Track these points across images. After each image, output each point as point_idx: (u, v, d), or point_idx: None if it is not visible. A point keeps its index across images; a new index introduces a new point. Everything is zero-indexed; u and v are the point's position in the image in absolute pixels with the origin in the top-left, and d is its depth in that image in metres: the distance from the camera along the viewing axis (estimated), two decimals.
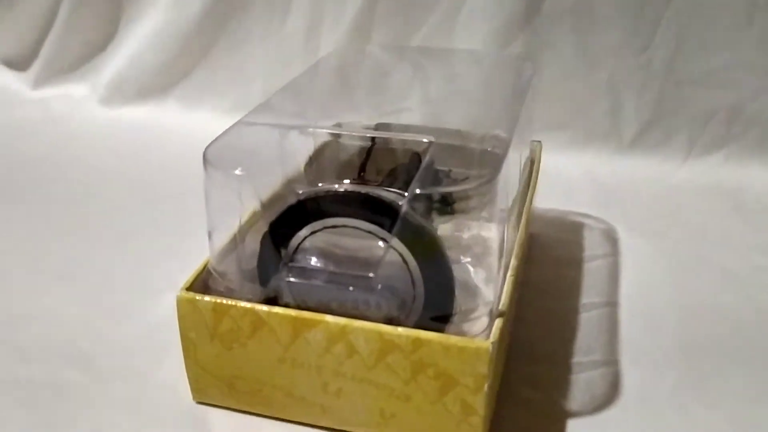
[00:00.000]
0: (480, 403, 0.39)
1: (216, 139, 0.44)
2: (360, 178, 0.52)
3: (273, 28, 0.85)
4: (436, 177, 0.50)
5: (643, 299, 0.56)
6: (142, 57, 0.90)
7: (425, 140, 0.46)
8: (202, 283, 0.44)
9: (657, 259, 0.61)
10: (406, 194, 0.40)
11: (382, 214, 0.40)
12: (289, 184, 0.45)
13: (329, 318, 0.40)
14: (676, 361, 0.49)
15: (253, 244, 0.43)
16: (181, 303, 0.43)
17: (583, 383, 0.47)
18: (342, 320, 0.40)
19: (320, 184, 0.43)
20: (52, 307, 0.55)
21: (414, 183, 0.40)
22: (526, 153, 0.59)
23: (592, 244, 0.63)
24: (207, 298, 0.42)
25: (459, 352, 0.38)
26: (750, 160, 0.74)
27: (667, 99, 0.75)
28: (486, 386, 0.39)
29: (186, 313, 0.43)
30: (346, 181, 0.45)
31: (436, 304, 0.41)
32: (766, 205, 0.69)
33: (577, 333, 0.52)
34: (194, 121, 0.89)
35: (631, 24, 0.73)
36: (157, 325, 0.52)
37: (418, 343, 0.39)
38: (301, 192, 0.42)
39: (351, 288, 0.40)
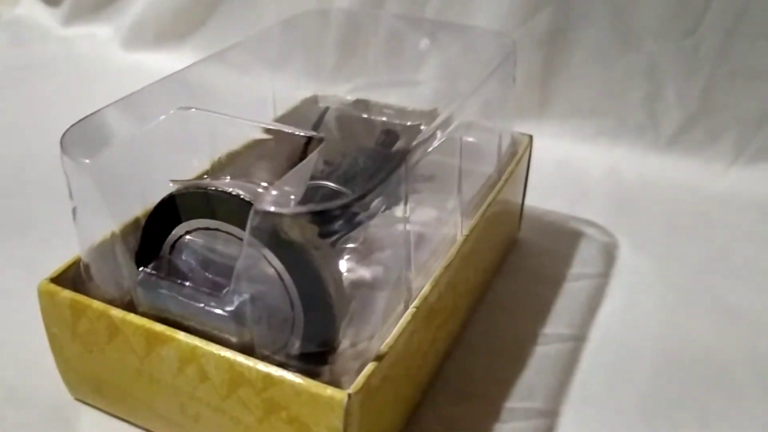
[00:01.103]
0: None
1: (87, 117, 0.38)
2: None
3: None
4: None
5: (619, 337, 0.47)
6: (163, 3, 0.86)
7: (311, 135, 0.38)
8: (74, 274, 0.39)
9: (654, 288, 0.51)
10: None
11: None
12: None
13: (181, 336, 0.35)
14: (630, 421, 0.41)
15: (127, 239, 0.38)
16: (41, 295, 0.38)
17: None
18: (194, 341, 0.34)
19: (205, 178, 0.38)
20: None
21: (278, 187, 0.34)
22: (491, 140, 0.50)
23: (584, 260, 0.54)
24: (65, 293, 0.37)
25: (311, 399, 0.32)
26: None
27: (716, 92, 0.63)
28: None
29: (47, 307, 0.38)
30: (264, 184, 0.38)
31: (317, 332, 0.35)
32: None
33: (523, 370, 0.44)
34: (208, 75, 0.84)
35: (676, 1, 0.61)
36: None
37: (269, 380, 0.33)
38: (173, 186, 0.36)
39: (203, 305, 0.35)
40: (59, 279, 0.38)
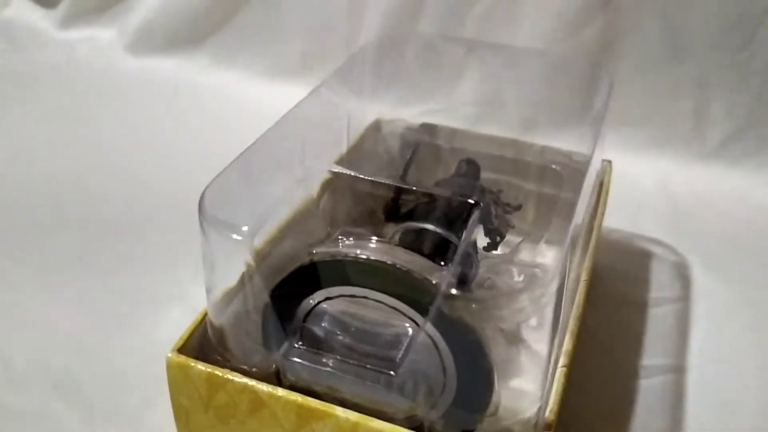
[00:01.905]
0: None
1: (220, 175, 0.36)
2: (391, 213, 0.44)
3: None
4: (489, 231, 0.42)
5: (718, 366, 0.47)
6: (174, 3, 0.82)
7: (472, 202, 0.37)
8: (198, 341, 0.37)
9: (738, 313, 0.52)
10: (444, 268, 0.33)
11: (413, 291, 0.33)
12: (305, 239, 0.37)
13: (339, 411, 0.33)
14: None
15: (259, 302, 0.36)
16: (171, 367, 0.36)
17: None
18: (354, 416, 0.33)
19: (342, 241, 0.36)
20: (48, 319, 0.49)
21: (455, 265, 0.32)
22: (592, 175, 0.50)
23: (660, 283, 0.54)
24: (201, 366, 0.36)
25: None
26: None
27: (766, 103, 0.64)
28: None
29: (177, 379, 0.36)
30: (374, 240, 0.37)
31: (470, 400, 0.34)
32: None
33: (633, 408, 0.44)
34: (226, 80, 0.81)
35: (731, 13, 0.61)
36: (158, 354, 0.46)
37: None
38: (314, 252, 0.35)
39: (369, 382, 0.33)
40: (186, 348, 0.37)
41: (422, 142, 0.56)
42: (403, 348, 0.33)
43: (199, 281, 0.36)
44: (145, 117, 0.77)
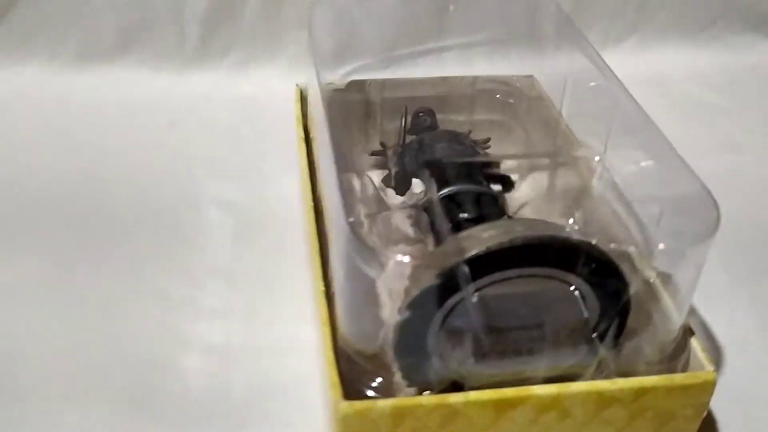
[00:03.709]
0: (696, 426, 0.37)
1: None
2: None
3: None
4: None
5: None
6: None
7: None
8: (348, 377, 0.35)
9: None
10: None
11: (565, 255, 0.34)
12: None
13: (538, 390, 0.34)
14: None
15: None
16: (347, 419, 0.33)
17: None
18: (553, 389, 0.35)
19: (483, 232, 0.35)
20: None
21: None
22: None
23: None
24: (383, 403, 0.34)
25: (683, 391, 0.36)
26: (660, 42, 0.76)
27: None
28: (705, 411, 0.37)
29: (351, 427, 0.34)
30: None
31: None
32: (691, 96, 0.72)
33: None
34: (23, 77, 0.67)
35: None
36: None
37: (641, 392, 0.35)
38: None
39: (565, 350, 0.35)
40: (346, 388, 0.34)
41: (354, 100, 0.55)
42: (582, 308, 0.35)
43: None
44: None
